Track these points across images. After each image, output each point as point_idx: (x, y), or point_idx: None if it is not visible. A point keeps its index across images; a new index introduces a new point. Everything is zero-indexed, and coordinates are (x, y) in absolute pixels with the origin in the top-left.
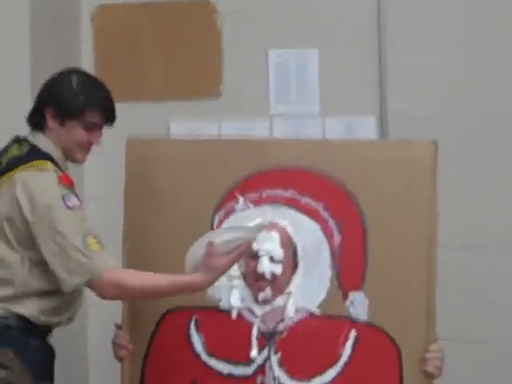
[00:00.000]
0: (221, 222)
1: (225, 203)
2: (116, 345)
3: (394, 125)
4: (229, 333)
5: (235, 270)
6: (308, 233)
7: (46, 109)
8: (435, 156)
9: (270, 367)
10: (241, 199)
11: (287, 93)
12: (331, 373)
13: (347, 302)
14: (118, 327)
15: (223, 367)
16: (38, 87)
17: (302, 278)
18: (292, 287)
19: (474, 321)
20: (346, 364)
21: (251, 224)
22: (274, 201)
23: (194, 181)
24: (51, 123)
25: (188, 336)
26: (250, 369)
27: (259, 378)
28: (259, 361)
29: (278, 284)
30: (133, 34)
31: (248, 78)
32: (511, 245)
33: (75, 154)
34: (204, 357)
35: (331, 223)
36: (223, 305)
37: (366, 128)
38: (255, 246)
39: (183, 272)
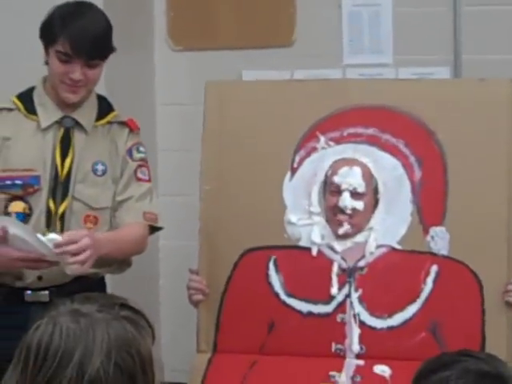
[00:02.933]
0: (301, 160)
1: (305, 143)
2: (192, 289)
3: (468, 75)
4: (309, 271)
5: (316, 207)
6: (389, 169)
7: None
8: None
9: (351, 304)
10: (322, 138)
11: (360, 43)
12: (412, 308)
13: (428, 237)
14: (193, 272)
15: (303, 306)
16: (110, 31)
17: (383, 214)
18: (373, 223)
19: None
20: (427, 299)
21: (44, 239)
22: (355, 138)
23: (273, 122)
24: (45, 57)
25: (267, 276)
26: (329, 306)
27: (339, 316)
28: (339, 298)
29: (358, 220)
30: None
31: (321, 28)
32: None
33: (58, 89)
34: (283, 296)
35: (412, 159)
36: (303, 242)
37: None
38: (336, 179)
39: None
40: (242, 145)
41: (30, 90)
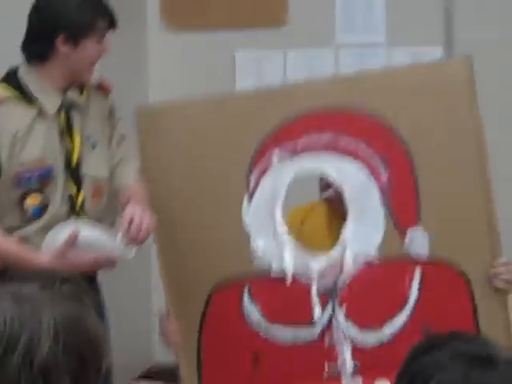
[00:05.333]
0: (257, 180)
1: (258, 161)
2: (164, 334)
3: (461, 54)
4: (287, 297)
5: (282, 226)
6: (352, 175)
7: (56, 37)
8: (470, 73)
9: (338, 323)
10: (275, 152)
11: (353, 22)
12: (401, 317)
13: (406, 240)
14: (163, 316)
15: (286, 334)
16: None
17: (354, 224)
18: (346, 235)
19: None
20: (416, 304)
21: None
22: (311, 148)
23: (218, 144)
24: (64, 49)
25: (242, 308)
26: (315, 330)
27: (326, 339)
28: (324, 319)
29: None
30: None
31: (314, 7)
32: None
33: (84, 74)
34: (263, 327)
35: (375, 160)
36: (276, 269)
37: (433, 58)
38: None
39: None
40: (188, 173)
41: (13, 74)
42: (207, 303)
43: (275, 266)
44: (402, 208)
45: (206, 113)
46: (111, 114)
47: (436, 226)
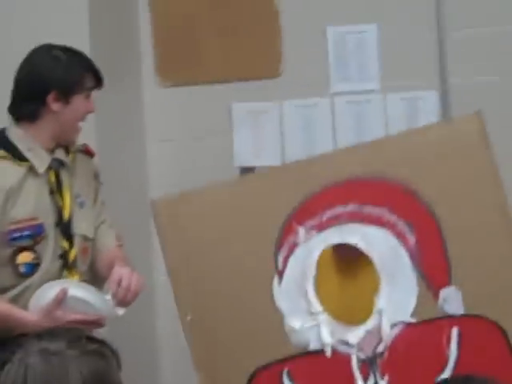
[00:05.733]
0: (286, 260)
1: (284, 240)
2: None
3: (456, 98)
4: (328, 373)
5: (316, 306)
6: (380, 242)
7: (47, 95)
8: (482, 128)
9: None
10: (301, 229)
11: (347, 70)
12: (444, 377)
13: (440, 301)
14: None
15: None
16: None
17: (388, 291)
18: (381, 303)
19: None
20: (456, 365)
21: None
22: (336, 221)
23: (241, 226)
24: (55, 106)
25: None
26: None
27: None
28: None
29: None
30: (190, 17)
31: (307, 57)
32: None
33: (73, 133)
34: None
35: (401, 225)
36: (314, 346)
37: (428, 103)
38: None
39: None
40: (214, 259)
41: (2, 135)
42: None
43: (313, 344)
44: (433, 269)
45: (223, 198)
46: (96, 177)
47: (468, 282)
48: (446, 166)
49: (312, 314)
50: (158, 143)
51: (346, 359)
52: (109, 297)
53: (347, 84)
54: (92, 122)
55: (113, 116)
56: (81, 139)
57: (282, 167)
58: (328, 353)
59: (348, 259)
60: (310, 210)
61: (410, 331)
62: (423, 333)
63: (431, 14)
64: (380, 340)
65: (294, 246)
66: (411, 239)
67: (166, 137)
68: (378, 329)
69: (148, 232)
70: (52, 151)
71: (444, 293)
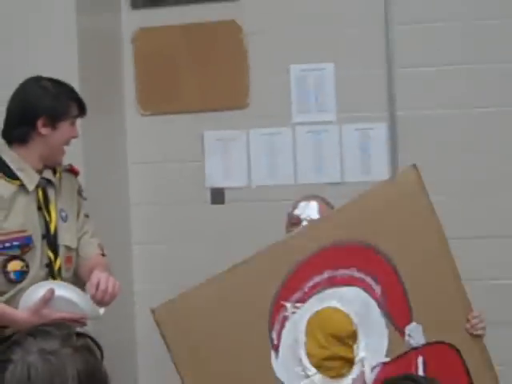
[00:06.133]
0: (279, 335)
1: (275, 317)
2: None
3: (402, 129)
4: None
5: (310, 368)
6: (354, 299)
7: (37, 120)
8: (420, 178)
9: None
10: (288, 305)
11: (307, 103)
12: None
13: (406, 337)
14: None
15: None
16: (88, 111)
17: (365, 340)
18: (361, 353)
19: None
20: None
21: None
22: (316, 289)
23: (235, 316)
24: (44, 131)
25: None
26: None
27: None
28: None
29: None
30: (169, 54)
31: (272, 91)
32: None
33: (59, 155)
34: None
35: (368, 280)
36: None
37: (378, 133)
38: (297, 212)
39: None
40: (216, 347)
41: None
42: None
43: None
44: (397, 312)
45: (216, 293)
46: (79, 193)
47: (424, 316)
48: (395, 219)
49: (308, 376)
50: (137, 165)
51: None
52: (89, 298)
53: (307, 115)
54: (80, 145)
55: (98, 140)
56: (70, 160)
57: (260, 255)
58: None
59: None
60: (292, 286)
61: (386, 369)
62: (397, 368)
63: (381, 54)
64: (364, 383)
65: (284, 320)
66: (377, 290)
67: (145, 159)
68: (362, 374)
69: (129, 242)
70: (40, 171)
71: (408, 329)
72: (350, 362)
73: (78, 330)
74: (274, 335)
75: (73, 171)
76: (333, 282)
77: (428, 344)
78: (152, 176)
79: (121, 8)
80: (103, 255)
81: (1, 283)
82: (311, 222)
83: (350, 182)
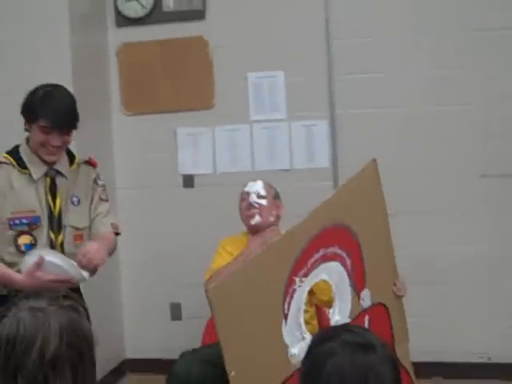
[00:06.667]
0: (289, 305)
1: (288, 290)
2: None
3: (340, 125)
4: None
5: (306, 332)
6: (335, 272)
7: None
8: (377, 170)
9: None
10: (296, 279)
11: (262, 104)
12: None
13: (361, 301)
14: None
15: None
16: (79, 110)
17: (338, 306)
18: (336, 316)
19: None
20: None
21: (82, 273)
22: (315, 265)
23: (262, 294)
24: (27, 125)
25: None
26: None
27: None
28: None
29: (264, 213)
30: (147, 64)
31: (233, 95)
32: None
33: (39, 152)
34: None
35: (344, 255)
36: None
37: (321, 128)
38: (246, 189)
39: None
40: (251, 319)
41: (16, 148)
42: None
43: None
44: (358, 280)
45: (246, 276)
46: (95, 181)
47: (371, 283)
48: (362, 204)
49: (304, 339)
50: (122, 155)
51: None
52: (76, 263)
53: (262, 114)
54: (75, 140)
55: (90, 135)
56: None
57: (277, 242)
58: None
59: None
60: (301, 263)
61: None
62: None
63: (323, 64)
64: None
65: (293, 292)
66: (349, 263)
67: (128, 151)
68: None
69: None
70: (50, 163)
71: (362, 295)
72: (264, 217)
73: (68, 292)
74: (286, 306)
75: (91, 163)
76: (324, 258)
77: (372, 305)
78: (133, 164)
79: (107, 26)
80: (117, 234)
81: (14, 254)
82: (313, 209)
83: (297, 169)
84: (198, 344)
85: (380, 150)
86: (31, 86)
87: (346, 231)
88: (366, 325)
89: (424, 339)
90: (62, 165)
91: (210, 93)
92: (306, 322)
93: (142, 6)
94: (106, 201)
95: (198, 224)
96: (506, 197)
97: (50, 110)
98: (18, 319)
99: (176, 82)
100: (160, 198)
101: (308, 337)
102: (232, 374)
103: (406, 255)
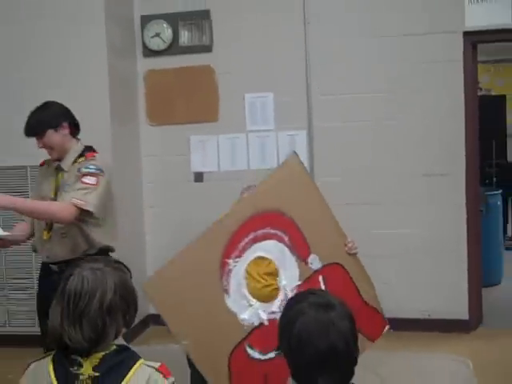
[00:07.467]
0: (227, 281)
1: (223, 270)
2: None
3: (317, 136)
4: (270, 333)
5: (252, 299)
6: (272, 248)
7: None
8: (299, 161)
9: None
10: (230, 261)
11: (256, 118)
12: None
13: (309, 265)
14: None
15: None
16: (114, 122)
17: (284, 274)
18: (283, 281)
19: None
20: None
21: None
22: (247, 246)
23: (198, 276)
24: None
25: (249, 355)
26: None
27: None
28: None
29: None
30: (167, 86)
31: (233, 111)
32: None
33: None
34: (263, 357)
35: (279, 233)
36: (257, 322)
37: (301, 138)
38: (244, 186)
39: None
40: (190, 298)
41: None
42: (230, 357)
43: (256, 322)
44: (300, 249)
45: (185, 261)
46: (79, 170)
47: (317, 248)
48: (290, 190)
49: (251, 305)
50: (147, 157)
51: (276, 321)
52: None
53: (256, 126)
54: (110, 145)
55: (123, 141)
56: (108, 153)
57: (207, 232)
58: (266, 322)
59: (260, 265)
60: (231, 248)
61: (301, 288)
62: (307, 286)
63: (303, 86)
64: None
65: (230, 271)
66: (286, 239)
67: (152, 153)
68: (285, 296)
69: (141, 206)
70: (58, 161)
71: (309, 259)
72: (276, 289)
73: (115, 258)
74: (225, 283)
75: (86, 156)
76: (256, 240)
77: (324, 266)
78: (156, 164)
79: (136, 57)
80: (77, 207)
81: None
82: (235, 203)
83: None
84: None
85: (347, 154)
86: (78, 105)
87: (277, 213)
88: (322, 282)
89: (380, 299)
90: (66, 162)
91: (215, 109)
92: (258, 290)
93: (164, 41)
94: (91, 184)
95: (205, 211)
96: (443, 191)
97: (26, 124)
98: (82, 277)
99: (189, 100)
100: (176, 190)
101: (255, 303)
102: (184, 342)
103: (367, 235)
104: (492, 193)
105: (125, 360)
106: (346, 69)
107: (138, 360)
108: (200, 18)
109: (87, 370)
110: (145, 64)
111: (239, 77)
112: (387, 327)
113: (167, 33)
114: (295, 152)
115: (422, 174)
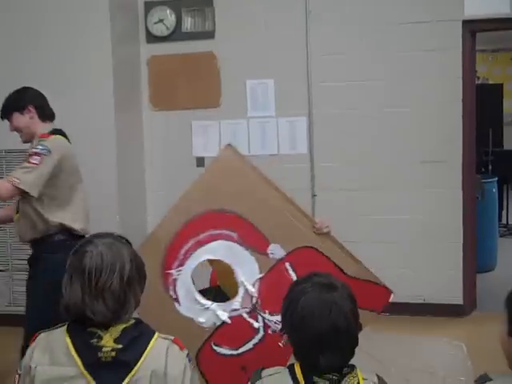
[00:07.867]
0: (174, 290)
1: (167, 281)
2: None
3: (317, 122)
4: (235, 330)
5: (207, 302)
6: (220, 248)
7: None
8: (235, 151)
9: (269, 320)
10: (173, 272)
11: (257, 104)
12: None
13: (270, 255)
14: None
15: (249, 346)
16: (118, 107)
17: (239, 270)
18: (239, 278)
19: None
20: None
21: None
22: (188, 254)
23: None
24: None
25: (217, 353)
26: (261, 333)
27: (268, 330)
28: (261, 323)
29: None
30: (170, 72)
31: (235, 97)
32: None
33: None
34: (235, 353)
35: (225, 232)
36: (218, 322)
37: (302, 124)
38: None
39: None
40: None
41: (61, 131)
42: (197, 359)
43: (217, 322)
44: (255, 242)
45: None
46: (31, 147)
47: (277, 237)
48: (228, 185)
49: (207, 308)
50: (151, 141)
51: (240, 317)
52: None
53: (257, 112)
54: (114, 129)
55: (126, 126)
56: (111, 137)
57: (142, 247)
58: (228, 320)
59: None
60: (170, 258)
61: (264, 281)
62: (272, 276)
63: (304, 73)
64: (251, 295)
65: (175, 281)
66: (234, 236)
67: (155, 138)
68: (246, 292)
69: (144, 189)
70: (24, 143)
71: (269, 250)
72: (235, 287)
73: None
74: (172, 293)
75: (39, 137)
76: (199, 244)
77: (290, 253)
78: (159, 148)
79: (140, 43)
80: (14, 185)
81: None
82: (167, 214)
83: (283, 154)
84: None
85: (346, 141)
86: (82, 91)
87: (218, 213)
88: (290, 270)
89: None
90: (33, 144)
91: (217, 95)
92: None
93: (167, 27)
94: (33, 164)
95: None
96: (440, 178)
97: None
98: (100, 252)
99: (191, 86)
100: (178, 174)
101: (210, 305)
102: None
103: (367, 220)
104: (488, 180)
105: (144, 332)
106: (346, 56)
107: (154, 333)
108: (203, 5)
109: (108, 342)
110: (148, 50)
111: (241, 63)
112: (392, 296)
113: (170, 19)
114: (230, 144)
115: (420, 161)
